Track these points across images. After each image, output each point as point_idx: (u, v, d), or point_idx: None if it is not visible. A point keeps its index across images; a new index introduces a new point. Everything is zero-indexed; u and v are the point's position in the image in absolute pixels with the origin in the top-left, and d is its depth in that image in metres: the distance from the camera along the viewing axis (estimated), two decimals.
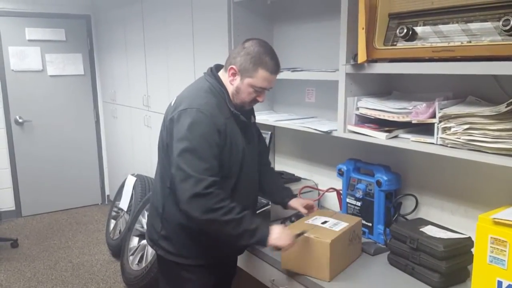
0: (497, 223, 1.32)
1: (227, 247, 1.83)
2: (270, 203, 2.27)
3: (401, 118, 1.73)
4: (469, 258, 1.62)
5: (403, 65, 1.65)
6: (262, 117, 2.48)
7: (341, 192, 2.22)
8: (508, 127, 1.39)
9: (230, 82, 1.74)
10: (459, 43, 1.46)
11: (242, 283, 2.36)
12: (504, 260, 1.32)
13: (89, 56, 5.08)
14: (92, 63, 5.11)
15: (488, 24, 1.39)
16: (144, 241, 3.41)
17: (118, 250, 3.73)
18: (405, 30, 1.59)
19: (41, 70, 4.84)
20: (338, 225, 1.78)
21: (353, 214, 2.10)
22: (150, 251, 3.25)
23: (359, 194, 2.07)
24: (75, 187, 5.18)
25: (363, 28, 1.70)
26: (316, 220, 1.85)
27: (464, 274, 1.65)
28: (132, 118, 4.33)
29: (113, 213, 4.23)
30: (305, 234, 1.70)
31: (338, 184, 2.23)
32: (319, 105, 2.50)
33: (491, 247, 1.34)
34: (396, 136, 1.77)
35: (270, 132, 2.57)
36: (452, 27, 1.48)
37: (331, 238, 1.66)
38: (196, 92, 1.75)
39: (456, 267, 1.61)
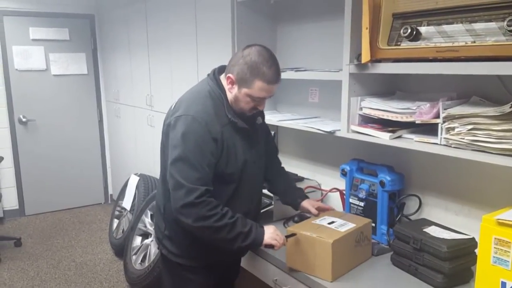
0: (501, 223, 1.32)
1: (227, 249, 1.83)
2: (272, 203, 2.27)
3: (404, 118, 1.73)
4: (473, 258, 1.61)
5: (407, 65, 1.65)
6: (266, 117, 2.47)
7: (344, 192, 2.21)
8: None
9: (229, 90, 1.71)
10: (463, 43, 1.46)
11: (245, 282, 2.36)
12: (508, 261, 1.31)
13: (92, 56, 5.10)
14: (95, 62, 5.12)
15: (493, 24, 1.38)
16: (147, 241, 3.42)
17: (121, 249, 3.74)
18: (409, 30, 1.58)
19: (44, 69, 4.85)
20: (345, 226, 1.78)
21: (356, 214, 2.10)
22: (153, 251, 3.25)
23: (362, 195, 2.07)
24: (78, 186, 5.19)
25: (367, 28, 1.69)
26: (324, 220, 1.85)
27: (467, 274, 1.65)
28: (135, 117, 4.34)
29: (116, 213, 4.23)
30: (309, 234, 1.71)
31: (341, 184, 2.23)
32: (323, 105, 2.49)
33: (494, 248, 1.33)
34: (399, 136, 1.77)
35: (273, 132, 2.57)
36: (456, 27, 1.48)
37: (334, 238, 1.66)
38: (195, 97, 1.73)
39: (460, 267, 1.61)
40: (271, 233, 1.71)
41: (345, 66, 1.87)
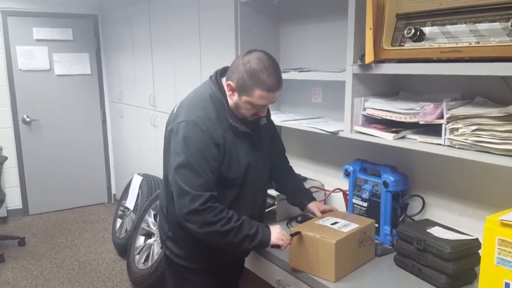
0: (505, 224, 1.31)
1: (232, 251, 1.84)
2: (276, 203, 2.27)
3: (408, 119, 1.73)
4: (476, 259, 1.61)
5: (410, 66, 1.65)
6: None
7: (347, 192, 2.21)
8: None
9: (229, 96, 1.70)
10: (467, 44, 1.46)
11: (248, 283, 2.36)
12: None
13: (96, 56, 5.11)
14: (99, 62, 5.14)
15: (497, 25, 1.38)
16: (150, 240, 3.43)
17: (124, 249, 3.75)
18: (412, 31, 1.58)
19: (48, 69, 4.87)
20: (348, 227, 1.78)
21: (359, 214, 2.10)
22: (156, 250, 3.26)
23: (365, 195, 2.07)
24: (82, 186, 5.21)
25: (370, 29, 1.69)
26: (327, 221, 1.86)
27: (471, 275, 1.64)
28: (138, 117, 4.35)
29: (120, 212, 4.24)
30: (312, 234, 1.71)
31: (345, 184, 2.23)
32: (326, 106, 2.49)
33: (498, 248, 1.33)
34: (403, 137, 1.77)
35: None
36: (460, 27, 1.48)
37: (336, 238, 1.66)
38: (197, 101, 1.72)
39: (463, 268, 1.61)
40: (277, 233, 1.71)
41: (349, 66, 1.87)
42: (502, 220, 1.32)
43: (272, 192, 2.23)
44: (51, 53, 4.85)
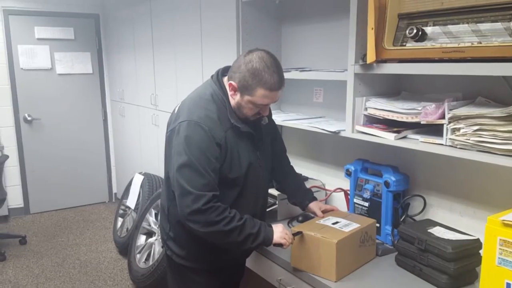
0: (506, 225, 1.31)
1: (234, 251, 1.84)
2: (277, 202, 2.28)
3: (410, 119, 1.73)
4: (478, 259, 1.61)
5: (412, 66, 1.65)
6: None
7: (348, 192, 2.21)
8: None
9: (231, 96, 1.69)
10: (469, 44, 1.45)
11: (249, 283, 2.36)
12: None
13: (97, 55, 5.12)
14: (100, 62, 5.15)
15: (499, 25, 1.38)
16: (151, 239, 3.43)
17: (125, 248, 3.75)
18: (414, 31, 1.58)
19: (50, 68, 4.87)
20: (349, 226, 1.78)
21: (360, 214, 2.10)
22: (157, 249, 3.27)
23: (366, 195, 2.07)
24: (83, 185, 5.22)
25: (372, 28, 1.69)
26: (328, 220, 1.86)
27: (472, 276, 1.64)
28: (140, 116, 4.35)
29: (121, 211, 4.25)
30: (313, 234, 1.71)
31: (346, 184, 2.23)
32: (327, 105, 2.49)
33: (500, 249, 1.33)
34: (404, 137, 1.77)
35: None
36: (462, 27, 1.48)
37: (338, 238, 1.66)
38: (198, 101, 1.71)
39: (465, 268, 1.61)
40: (279, 232, 1.71)
41: (350, 66, 1.87)
42: (504, 220, 1.32)
43: (273, 191, 2.23)
44: (53, 52, 4.86)
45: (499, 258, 1.34)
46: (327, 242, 1.66)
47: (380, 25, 1.69)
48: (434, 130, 1.67)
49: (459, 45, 1.48)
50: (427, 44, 1.58)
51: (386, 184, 1.96)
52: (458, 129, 1.54)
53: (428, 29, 1.58)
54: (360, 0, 1.78)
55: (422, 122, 1.66)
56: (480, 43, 1.43)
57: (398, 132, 1.76)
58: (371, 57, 1.72)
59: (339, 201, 2.36)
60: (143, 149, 4.41)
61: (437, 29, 1.55)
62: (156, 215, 3.52)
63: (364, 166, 2.13)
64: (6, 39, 4.62)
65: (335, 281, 1.67)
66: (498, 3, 1.37)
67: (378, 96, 1.93)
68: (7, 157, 4.13)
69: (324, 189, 2.46)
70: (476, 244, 1.63)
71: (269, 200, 2.21)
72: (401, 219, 1.98)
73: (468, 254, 1.61)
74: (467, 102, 1.64)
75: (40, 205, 5.02)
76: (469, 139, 1.50)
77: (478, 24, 1.43)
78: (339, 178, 2.40)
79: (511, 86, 1.61)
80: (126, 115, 4.74)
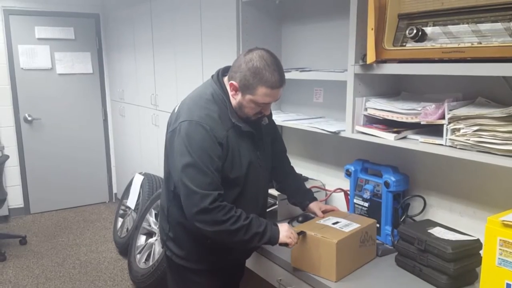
0: (506, 225, 1.31)
1: (234, 251, 1.84)
2: (277, 203, 2.27)
3: (410, 119, 1.73)
4: (478, 260, 1.61)
5: (412, 66, 1.65)
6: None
7: (348, 192, 2.21)
8: None
9: (232, 96, 1.70)
10: (469, 44, 1.45)
11: (250, 283, 2.36)
12: None
13: (97, 55, 5.12)
14: (100, 61, 5.15)
15: (499, 25, 1.38)
16: (151, 240, 3.43)
17: (126, 248, 3.75)
18: (414, 31, 1.58)
19: (50, 68, 4.88)
20: (349, 226, 1.78)
21: (360, 215, 2.10)
22: (157, 250, 3.27)
23: (366, 195, 2.07)
24: (83, 185, 5.22)
25: (372, 29, 1.69)
26: (328, 220, 1.86)
27: (472, 276, 1.64)
28: (140, 116, 4.35)
29: (121, 211, 4.25)
30: (313, 234, 1.71)
31: (346, 184, 2.23)
32: (327, 105, 2.49)
33: (500, 249, 1.33)
34: (404, 137, 1.77)
35: None
36: (462, 28, 1.48)
37: (338, 238, 1.66)
38: (198, 101, 1.71)
39: (464, 269, 1.60)
40: (285, 231, 1.71)
41: (350, 66, 1.87)
42: (504, 220, 1.32)
43: (273, 191, 2.23)
44: (53, 52, 4.86)
45: (499, 258, 1.33)
46: (327, 242, 1.66)
47: (380, 26, 1.69)
48: (434, 130, 1.67)
49: (459, 46, 1.48)
50: (427, 44, 1.58)
51: (386, 184, 1.96)
52: (458, 130, 1.54)
53: (428, 30, 1.57)
54: (360, 0, 1.78)
55: (422, 123, 1.66)
56: (480, 43, 1.43)
57: (398, 132, 1.76)
58: (371, 57, 1.72)
59: (339, 202, 2.36)
60: (143, 149, 4.41)
61: (437, 29, 1.55)
62: (156, 215, 3.52)
63: (364, 167, 2.13)
64: (7, 39, 4.62)
65: (335, 281, 1.67)
66: (498, 4, 1.37)
67: (378, 96, 1.93)
68: (7, 157, 4.13)
69: (324, 189, 2.46)
70: (476, 245, 1.63)
71: (269, 200, 2.21)
72: (401, 220, 1.98)
73: (468, 254, 1.61)
74: (467, 103, 1.64)
75: (40, 205, 5.02)
76: (469, 140, 1.50)
77: (478, 25, 1.43)
78: (339, 179, 2.40)
79: (511, 86, 1.61)
80: (126, 115, 4.74)
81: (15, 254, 3.98)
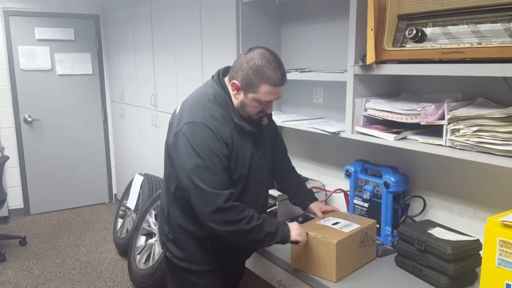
0: (506, 225, 1.31)
1: (234, 253, 1.85)
2: (277, 203, 2.27)
3: (409, 120, 1.73)
4: (478, 260, 1.61)
5: (412, 67, 1.65)
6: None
7: (348, 193, 2.21)
8: None
9: (234, 96, 1.70)
10: (468, 45, 1.45)
11: (249, 283, 2.36)
12: None
13: (97, 56, 5.12)
14: (100, 62, 5.15)
15: (498, 26, 1.38)
16: (151, 240, 3.43)
17: (125, 249, 3.75)
18: (414, 31, 1.58)
19: (50, 69, 4.88)
20: (349, 227, 1.78)
21: (360, 215, 2.10)
22: (157, 250, 3.26)
23: (366, 195, 2.07)
24: (83, 186, 5.22)
25: (372, 29, 1.69)
26: (328, 221, 1.86)
27: (472, 276, 1.64)
28: (140, 117, 4.35)
29: (121, 212, 4.25)
30: (313, 234, 1.71)
31: (346, 185, 2.23)
32: (327, 106, 2.49)
33: (499, 249, 1.33)
34: (404, 138, 1.77)
35: None
36: (462, 28, 1.48)
37: (338, 238, 1.66)
38: (200, 101, 1.71)
39: (464, 269, 1.61)
40: (296, 229, 1.72)
41: (350, 67, 1.87)
42: (503, 221, 1.32)
43: (273, 192, 2.23)
44: (53, 53, 4.86)
45: (499, 259, 1.33)
46: (327, 243, 1.67)
47: (380, 26, 1.69)
48: (434, 131, 1.67)
49: (459, 46, 1.48)
50: (426, 45, 1.58)
51: (386, 185, 1.96)
52: (458, 130, 1.54)
53: (428, 30, 1.58)
54: (360, 1, 1.78)
55: (421, 123, 1.66)
56: (480, 44, 1.43)
57: (397, 133, 1.76)
58: (370, 58, 1.72)
59: (339, 202, 2.36)
60: (143, 150, 4.41)
61: (436, 30, 1.55)
62: (156, 216, 3.52)
63: (364, 167, 2.13)
64: (7, 40, 4.62)
65: (335, 282, 1.68)
66: (498, 4, 1.37)
67: (378, 97, 1.93)
68: (7, 158, 4.13)
69: (324, 189, 2.46)
70: (476, 245, 1.63)
71: (269, 201, 2.22)
72: (401, 220, 1.98)
73: (468, 255, 1.61)
74: (466, 103, 1.64)
75: (40, 206, 5.02)
76: (468, 140, 1.50)
77: (477, 25, 1.44)
78: (339, 179, 2.40)
79: (511, 87, 1.61)
80: (126, 116, 4.74)
81: (15, 255, 3.98)
